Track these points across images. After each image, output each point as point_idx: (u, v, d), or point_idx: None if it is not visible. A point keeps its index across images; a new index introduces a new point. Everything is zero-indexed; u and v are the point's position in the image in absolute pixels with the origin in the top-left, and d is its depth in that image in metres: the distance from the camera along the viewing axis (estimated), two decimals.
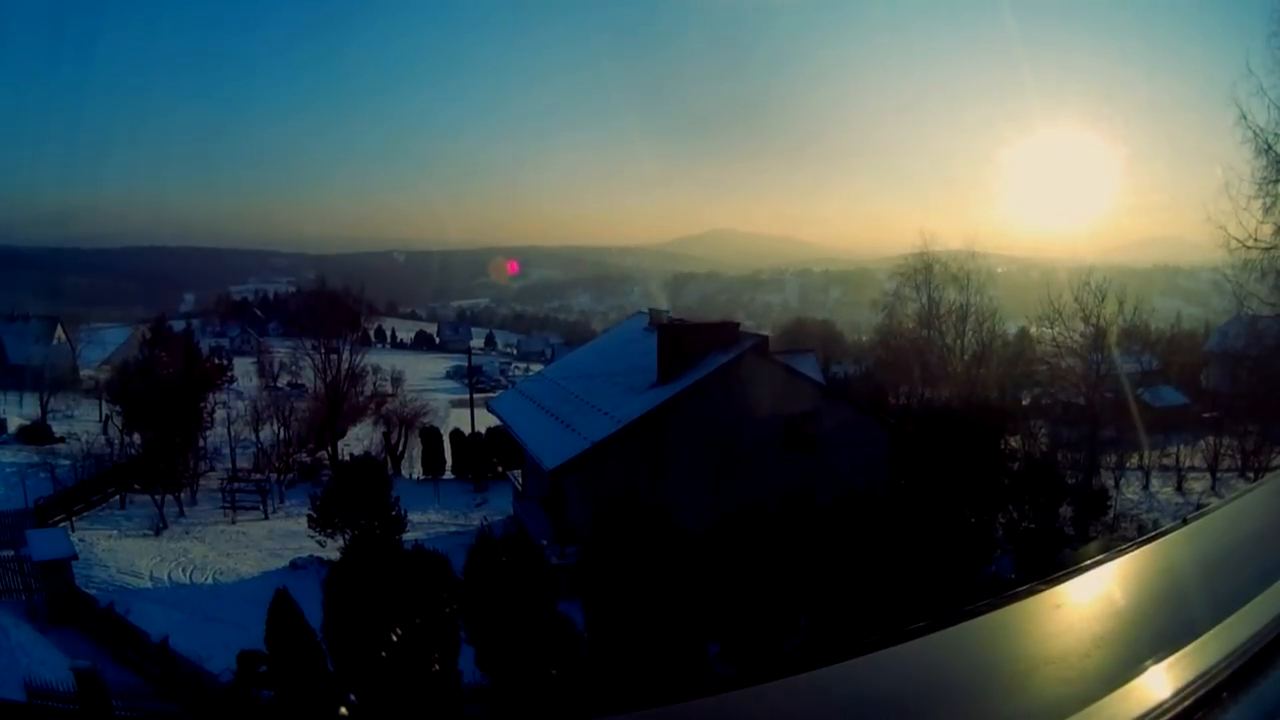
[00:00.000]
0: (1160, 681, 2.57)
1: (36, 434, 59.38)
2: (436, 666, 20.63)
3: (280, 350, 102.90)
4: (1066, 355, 48.15)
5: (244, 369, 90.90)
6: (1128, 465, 50.20)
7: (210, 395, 61.73)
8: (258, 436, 58.43)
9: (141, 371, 60.34)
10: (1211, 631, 2.87)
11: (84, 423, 62.09)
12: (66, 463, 45.80)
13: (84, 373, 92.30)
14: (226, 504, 44.87)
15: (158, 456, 44.33)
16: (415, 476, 57.54)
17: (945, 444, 33.79)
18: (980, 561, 30.34)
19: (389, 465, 54.44)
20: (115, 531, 39.22)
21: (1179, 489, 51.23)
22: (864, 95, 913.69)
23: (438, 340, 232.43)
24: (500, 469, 51.49)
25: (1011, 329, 66.26)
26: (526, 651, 20.66)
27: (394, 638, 19.80)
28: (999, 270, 71.70)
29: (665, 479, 31.42)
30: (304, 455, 58.38)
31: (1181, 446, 56.40)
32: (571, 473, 32.12)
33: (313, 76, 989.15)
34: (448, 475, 56.85)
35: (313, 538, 34.99)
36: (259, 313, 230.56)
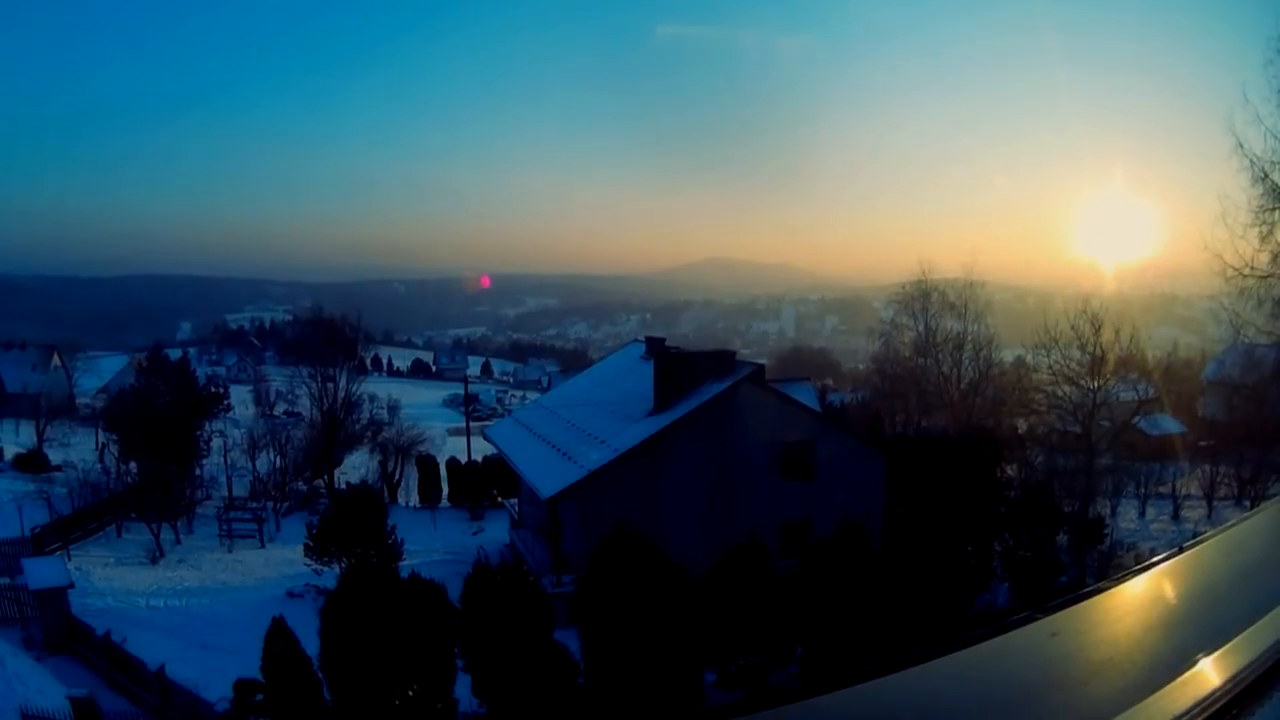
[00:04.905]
0: (1160, 710, 2.61)
1: (33, 462, 59.02)
2: (434, 697, 20.59)
3: (277, 378, 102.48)
4: (1063, 383, 47.99)
5: (241, 397, 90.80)
6: (1124, 493, 50.10)
7: (207, 423, 61.63)
8: (254, 465, 58.20)
9: (138, 399, 60.17)
10: (1210, 658, 2.90)
11: (80, 451, 61.65)
12: (63, 491, 45.53)
13: (80, 401, 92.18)
14: (223, 532, 44.69)
15: (154, 485, 44.21)
16: (412, 505, 57.42)
17: (942, 472, 33.79)
18: (977, 590, 30.30)
19: (385, 493, 54.32)
20: (112, 559, 39.04)
21: (1175, 517, 51.18)
22: (862, 123, 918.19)
23: (434, 368, 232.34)
24: (497, 497, 51.40)
25: (1008, 357, 66.18)
26: (523, 680, 20.62)
27: (390, 666, 19.76)
28: (996, 298, 71.54)
29: (662, 507, 31.43)
30: (300, 483, 58.16)
31: (1178, 475, 56.35)
32: (568, 501, 32.09)
33: (311, 106, 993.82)
34: (444, 503, 56.74)
35: (309, 566, 34.94)
36: (256, 341, 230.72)
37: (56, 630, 28.60)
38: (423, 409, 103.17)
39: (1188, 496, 54.72)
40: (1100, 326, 44.74)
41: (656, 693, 21.66)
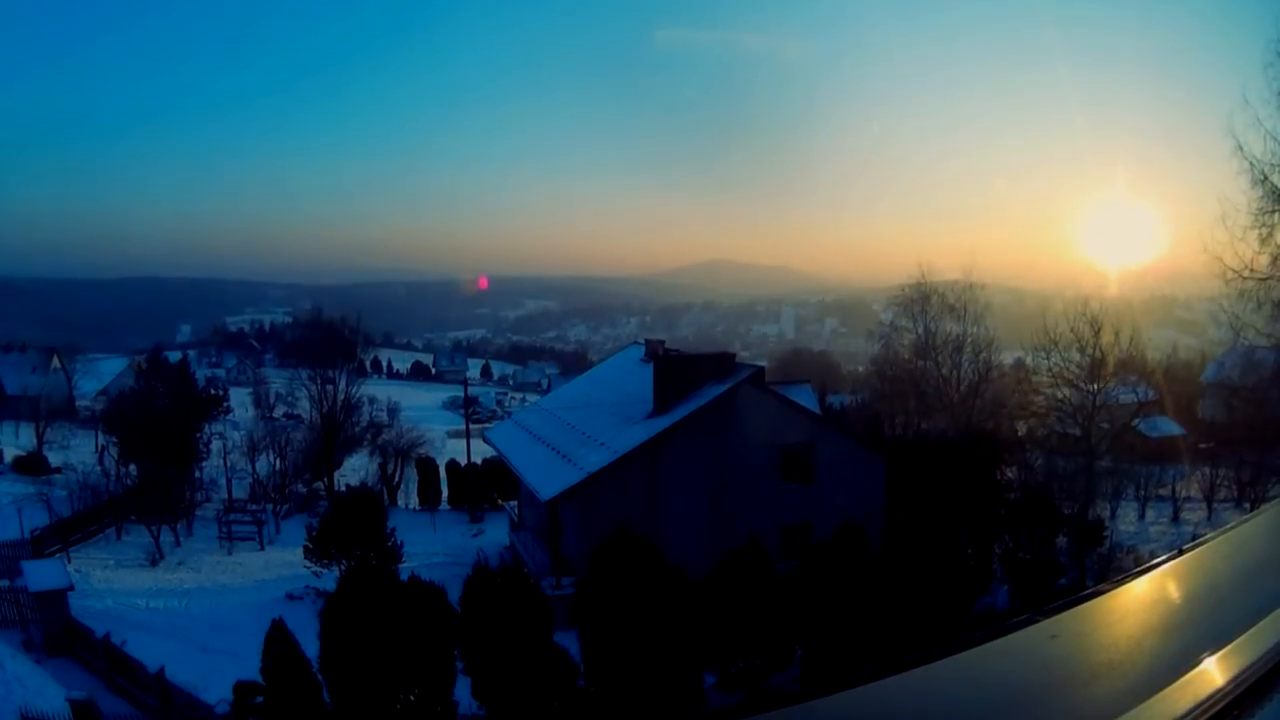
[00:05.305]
0: (1160, 712, 2.61)
1: (32, 464, 59.06)
2: (433, 699, 20.59)
3: (276, 381, 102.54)
4: (1062, 386, 47.98)
5: (240, 399, 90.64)
6: (1124, 496, 50.04)
7: (206, 426, 61.65)
8: (254, 467, 58.15)
9: (137, 402, 60.25)
10: (1211, 660, 2.90)
11: (80, 453, 61.66)
12: (63, 493, 45.46)
13: (80, 403, 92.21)
14: (223, 535, 44.73)
15: (154, 487, 44.19)
16: (412, 507, 57.42)
17: (941, 474, 33.79)
18: (977, 592, 30.31)
19: (385, 496, 54.29)
20: (111, 562, 39.04)
21: (1175, 519, 51.14)
22: (861, 126, 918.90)
23: (434, 371, 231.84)
24: (497, 499, 51.37)
25: (1008, 359, 66.19)
26: (523, 682, 20.62)
27: (390, 669, 19.76)
28: (995, 300, 71.58)
29: (661, 509, 31.41)
30: (300, 486, 58.10)
31: (1178, 477, 56.29)
32: (568, 503, 32.09)
33: (310, 108, 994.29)
34: (444, 506, 56.75)
35: (309, 568, 34.93)
36: (255, 343, 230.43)
37: (56, 632, 28.60)
38: (422, 411, 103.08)
39: (1187, 499, 54.68)
40: (1100, 329, 44.72)
41: (656, 695, 21.66)
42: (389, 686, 20.09)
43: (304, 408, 68.46)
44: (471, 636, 21.16)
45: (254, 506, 52.21)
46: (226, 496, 54.81)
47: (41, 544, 37.83)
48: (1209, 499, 53.81)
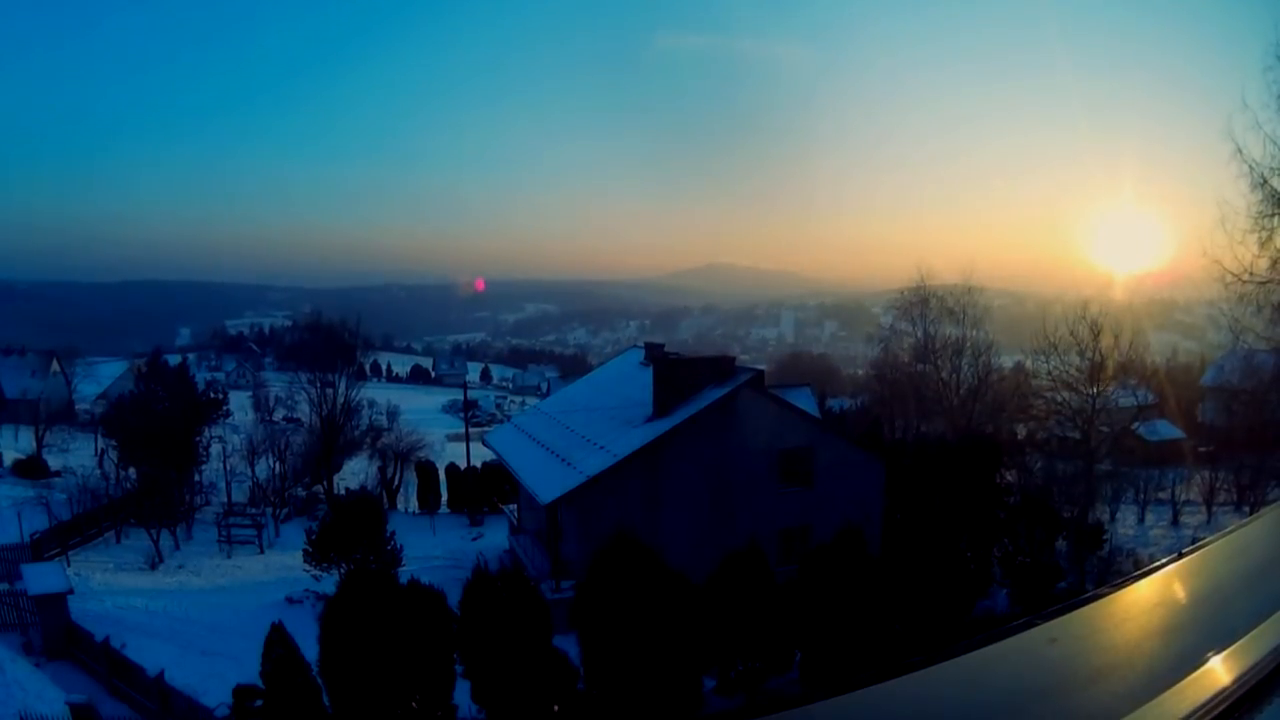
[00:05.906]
0: (1160, 715, 2.60)
1: (32, 468, 58.98)
2: (433, 702, 20.56)
3: (276, 384, 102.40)
4: (1062, 389, 48.01)
5: (240, 403, 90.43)
6: (1123, 499, 49.99)
7: (206, 429, 61.46)
8: (253, 470, 58.09)
9: (137, 405, 60.06)
10: (1211, 663, 2.89)
11: (80, 456, 61.57)
12: (62, 497, 45.35)
13: (80, 406, 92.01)
14: (222, 538, 44.66)
15: (153, 490, 44.11)
16: (411, 511, 57.38)
17: (941, 478, 33.76)
18: (976, 595, 30.27)
19: (385, 499, 54.21)
20: (111, 565, 38.97)
21: (1174, 522, 51.06)
22: (861, 130, 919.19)
23: (433, 374, 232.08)
24: (497, 503, 51.32)
25: (1007, 362, 66.19)
26: (522, 685, 20.59)
27: (390, 672, 19.74)
28: (995, 304, 71.65)
29: (661, 512, 31.38)
30: (300, 489, 58.06)
31: (1177, 480, 56.20)
32: (567, 506, 32.07)
33: (311, 111, 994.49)
34: (443, 509, 56.68)
35: (308, 572, 34.87)
36: (255, 346, 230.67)
37: (56, 636, 28.55)
38: (422, 415, 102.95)
39: (1187, 502, 54.57)
40: (1099, 332, 44.79)
41: (656, 698, 21.64)
42: (389, 690, 20.07)
43: (303, 411, 68.41)
44: (471, 640, 21.14)
45: (253, 510, 52.13)
46: (226, 500, 54.81)
47: (41, 547, 37.77)
48: (1209, 502, 53.69)
